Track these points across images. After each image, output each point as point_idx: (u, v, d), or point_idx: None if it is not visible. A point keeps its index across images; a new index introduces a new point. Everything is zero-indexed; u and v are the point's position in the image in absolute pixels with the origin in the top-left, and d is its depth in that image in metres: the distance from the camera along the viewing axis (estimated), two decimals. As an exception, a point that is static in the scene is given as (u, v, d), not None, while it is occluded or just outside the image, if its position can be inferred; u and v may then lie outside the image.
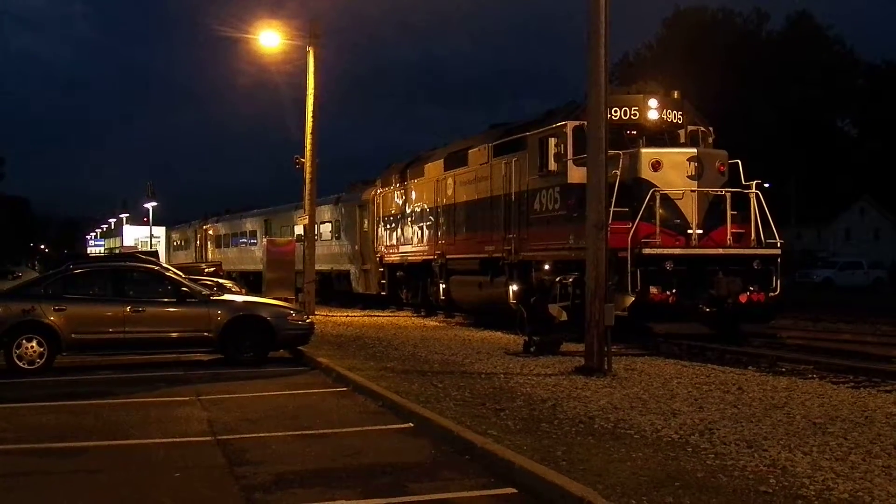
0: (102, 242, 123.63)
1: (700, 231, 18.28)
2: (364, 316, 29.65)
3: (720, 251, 18.14)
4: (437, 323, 26.35)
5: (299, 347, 17.86)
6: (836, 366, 15.07)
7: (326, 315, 29.10)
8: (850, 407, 11.16)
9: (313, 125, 30.01)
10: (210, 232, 60.89)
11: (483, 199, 24.09)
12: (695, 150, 18.99)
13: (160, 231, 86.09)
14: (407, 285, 30.88)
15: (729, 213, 18.45)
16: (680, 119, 20.46)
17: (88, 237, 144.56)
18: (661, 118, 20.18)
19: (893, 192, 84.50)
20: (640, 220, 17.68)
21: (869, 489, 7.34)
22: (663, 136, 20.17)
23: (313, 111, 29.99)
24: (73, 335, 16.14)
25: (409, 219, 29.96)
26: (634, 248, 17.33)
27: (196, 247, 64.35)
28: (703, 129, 20.69)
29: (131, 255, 39.50)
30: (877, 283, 65.50)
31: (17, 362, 15.86)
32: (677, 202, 18.30)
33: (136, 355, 17.18)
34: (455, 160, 26.36)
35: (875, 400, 11.79)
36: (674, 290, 17.46)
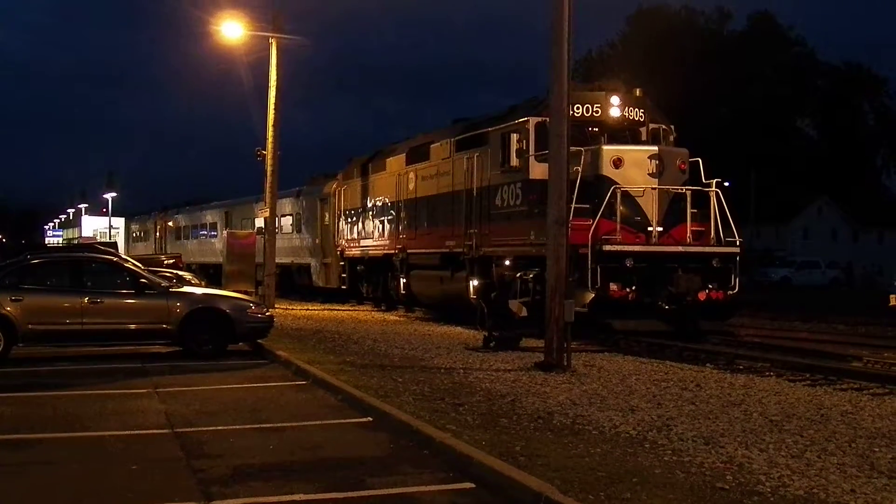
0: (61, 233, 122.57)
1: (660, 228, 18.38)
2: (324, 310, 29.55)
3: (680, 249, 18.25)
4: (397, 317, 26.32)
5: (259, 341, 17.75)
6: (792, 364, 15.20)
7: (286, 308, 28.98)
8: (806, 405, 11.29)
9: (275, 117, 29.76)
10: (170, 224, 60.50)
11: (445, 194, 24.08)
12: (656, 147, 19.09)
13: (119, 222, 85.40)
14: (368, 280, 30.78)
15: (689, 211, 18.59)
16: (642, 117, 20.55)
17: (47, 227, 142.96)
18: (623, 115, 20.26)
19: (851, 193, 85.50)
20: (600, 216, 17.75)
21: (824, 486, 7.43)
22: (625, 133, 20.27)
23: (276, 104, 29.76)
24: (29, 326, 15.93)
25: (371, 213, 29.87)
26: (595, 245, 17.39)
27: (156, 238, 63.94)
28: (664, 126, 20.81)
29: (90, 245, 39.12)
30: (833, 282, 66.31)
31: (-28, 353, 15.64)
32: (638, 199, 18.39)
33: (93, 347, 16.98)
34: (417, 155, 26.32)
35: (831, 398, 11.93)
36: (633, 287, 17.55)
